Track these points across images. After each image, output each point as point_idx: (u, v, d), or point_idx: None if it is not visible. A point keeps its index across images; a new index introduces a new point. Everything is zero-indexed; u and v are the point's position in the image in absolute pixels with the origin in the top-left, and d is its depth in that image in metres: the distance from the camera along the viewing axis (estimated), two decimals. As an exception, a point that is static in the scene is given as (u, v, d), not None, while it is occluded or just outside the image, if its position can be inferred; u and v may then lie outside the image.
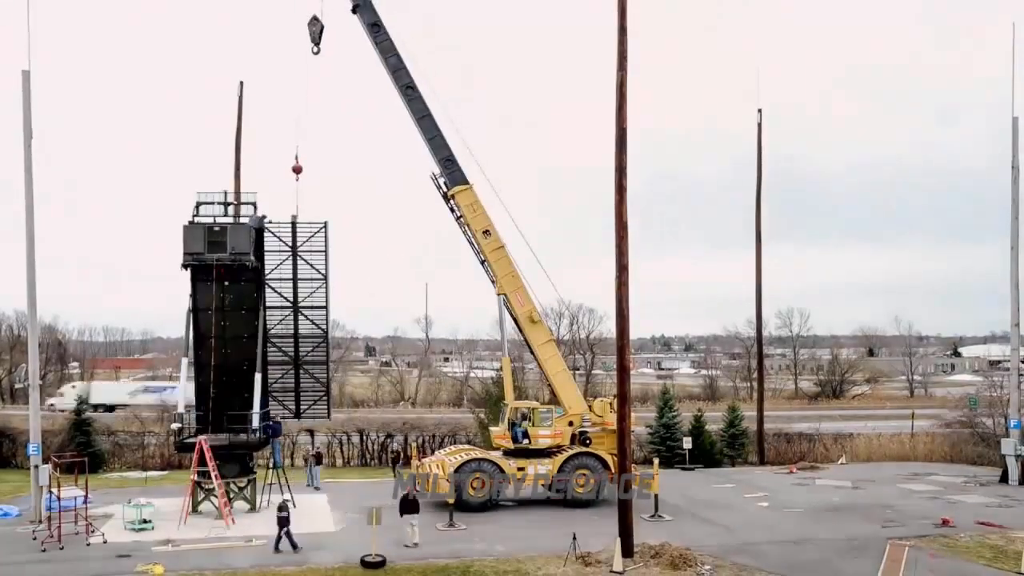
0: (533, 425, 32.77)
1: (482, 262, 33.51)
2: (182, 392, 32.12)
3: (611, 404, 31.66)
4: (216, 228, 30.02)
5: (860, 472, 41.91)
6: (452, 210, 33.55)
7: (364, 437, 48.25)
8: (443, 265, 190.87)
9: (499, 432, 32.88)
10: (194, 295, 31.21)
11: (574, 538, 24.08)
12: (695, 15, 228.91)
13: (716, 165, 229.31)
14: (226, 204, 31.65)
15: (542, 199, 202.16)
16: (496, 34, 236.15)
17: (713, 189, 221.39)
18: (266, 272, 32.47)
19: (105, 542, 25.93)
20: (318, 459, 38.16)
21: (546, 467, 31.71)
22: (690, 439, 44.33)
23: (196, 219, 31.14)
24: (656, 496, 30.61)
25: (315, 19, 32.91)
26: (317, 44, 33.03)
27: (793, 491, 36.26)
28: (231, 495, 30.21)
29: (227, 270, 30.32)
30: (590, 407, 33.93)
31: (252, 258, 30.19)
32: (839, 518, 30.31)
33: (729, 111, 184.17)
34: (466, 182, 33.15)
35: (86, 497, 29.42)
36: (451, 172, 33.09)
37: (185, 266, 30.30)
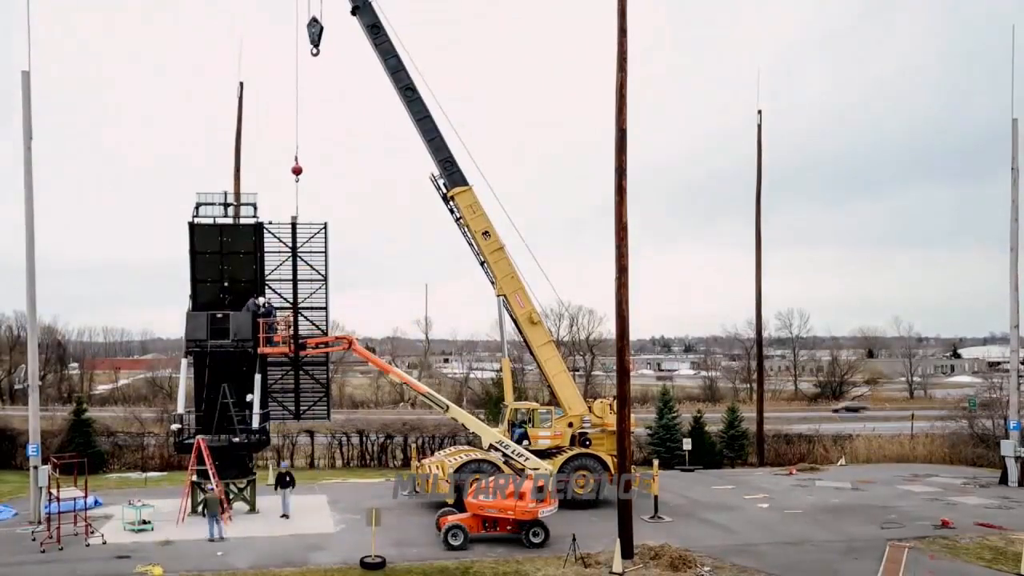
0: (533, 426, 32.84)
1: (482, 263, 33.53)
2: (182, 392, 32.14)
3: (611, 405, 31.69)
4: (219, 316, 30.29)
5: (860, 473, 41.93)
6: (452, 211, 33.58)
7: (364, 438, 48.27)
8: (443, 266, 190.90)
9: (499, 431, 32.87)
10: (194, 296, 31.29)
11: (574, 539, 24.09)
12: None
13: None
14: (226, 205, 31.74)
15: (540, 198, 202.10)
16: (496, 33, 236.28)
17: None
18: (266, 273, 32.50)
19: (104, 543, 25.92)
20: (288, 480, 30.49)
21: (546, 468, 31.71)
22: (690, 440, 44.37)
23: (196, 220, 31.27)
24: (656, 497, 30.63)
25: (314, 21, 32.89)
26: (316, 46, 33.01)
27: (793, 492, 36.27)
28: (230, 496, 30.23)
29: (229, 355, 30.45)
30: (590, 408, 33.93)
31: (252, 343, 30.34)
32: (839, 519, 30.31)
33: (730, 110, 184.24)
34: (465, 183, 33.17)
35: (96, 498, 29.52)
36: (450, 173, 33.12)
37: (188, 353, 30.58)
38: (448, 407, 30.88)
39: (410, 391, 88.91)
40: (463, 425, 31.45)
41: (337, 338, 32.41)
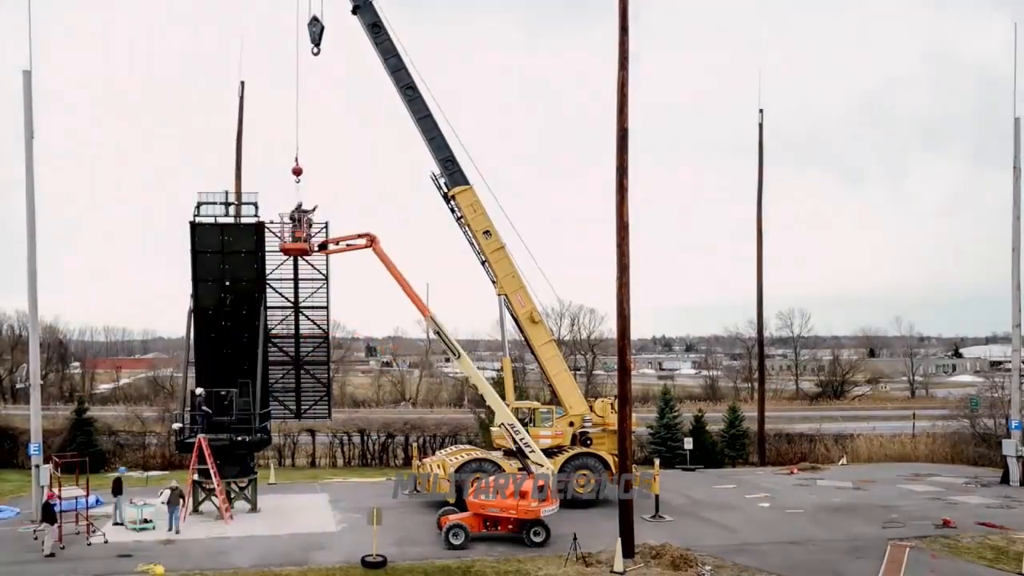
0: (534, 425, 32.79)
1: (483, 262, 33.52)
2: (183, 392, 32.15)
3: (612, 404, 31.68)
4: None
5: (861, 473, 41.89)
6: (453, 210, 33.58)
7: (365, 437, 48.27)
8: (444, 265, 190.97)
9: (500, 432, 32.86)
10: (195, 295, 31.27)
11: (575, 538, 24.09)
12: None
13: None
14: (227, 204, 31.75)
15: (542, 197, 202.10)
16: (495, 30, 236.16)
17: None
18: (267, 272, 32.51)
19: (106, 542, 25.98)
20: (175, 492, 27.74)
21: (547, 467, 31.69)
22: (691, 439, 44.32)
23: (197, 219, 31.29)
24: (657, 496, 30.61)
25: (315, 20, 32.85)
26: (317, 45, 32.97)
27: (794, 492, 36.24)
28: (231, 495, 30.24)
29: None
30: (591, 407, 33.93)
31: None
32: (840, 519, 30.31)
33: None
34: (466, 183, 33.17)
35: (97, 498, 29.48)
36: (451, 173, 33.12)
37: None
38: (460, 355, 30.65)
39: (410, 390, 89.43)
40: (477, 387, 30.92)
41: (359, 235, 31.11)
